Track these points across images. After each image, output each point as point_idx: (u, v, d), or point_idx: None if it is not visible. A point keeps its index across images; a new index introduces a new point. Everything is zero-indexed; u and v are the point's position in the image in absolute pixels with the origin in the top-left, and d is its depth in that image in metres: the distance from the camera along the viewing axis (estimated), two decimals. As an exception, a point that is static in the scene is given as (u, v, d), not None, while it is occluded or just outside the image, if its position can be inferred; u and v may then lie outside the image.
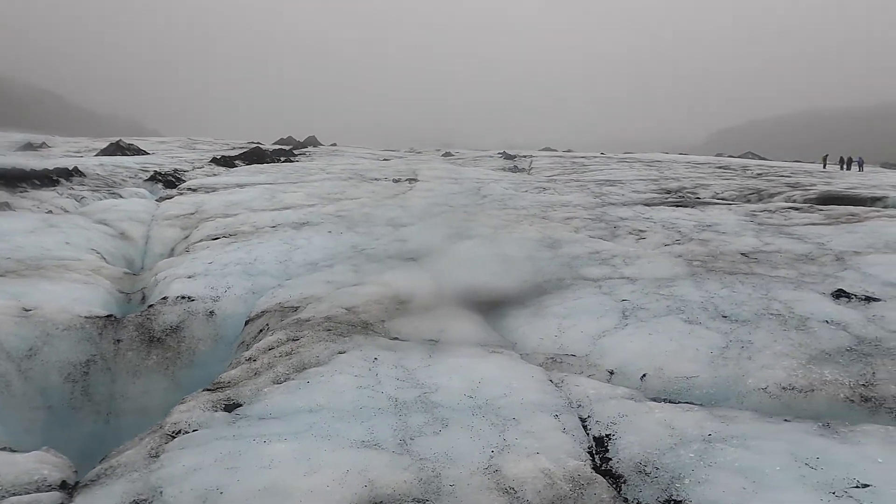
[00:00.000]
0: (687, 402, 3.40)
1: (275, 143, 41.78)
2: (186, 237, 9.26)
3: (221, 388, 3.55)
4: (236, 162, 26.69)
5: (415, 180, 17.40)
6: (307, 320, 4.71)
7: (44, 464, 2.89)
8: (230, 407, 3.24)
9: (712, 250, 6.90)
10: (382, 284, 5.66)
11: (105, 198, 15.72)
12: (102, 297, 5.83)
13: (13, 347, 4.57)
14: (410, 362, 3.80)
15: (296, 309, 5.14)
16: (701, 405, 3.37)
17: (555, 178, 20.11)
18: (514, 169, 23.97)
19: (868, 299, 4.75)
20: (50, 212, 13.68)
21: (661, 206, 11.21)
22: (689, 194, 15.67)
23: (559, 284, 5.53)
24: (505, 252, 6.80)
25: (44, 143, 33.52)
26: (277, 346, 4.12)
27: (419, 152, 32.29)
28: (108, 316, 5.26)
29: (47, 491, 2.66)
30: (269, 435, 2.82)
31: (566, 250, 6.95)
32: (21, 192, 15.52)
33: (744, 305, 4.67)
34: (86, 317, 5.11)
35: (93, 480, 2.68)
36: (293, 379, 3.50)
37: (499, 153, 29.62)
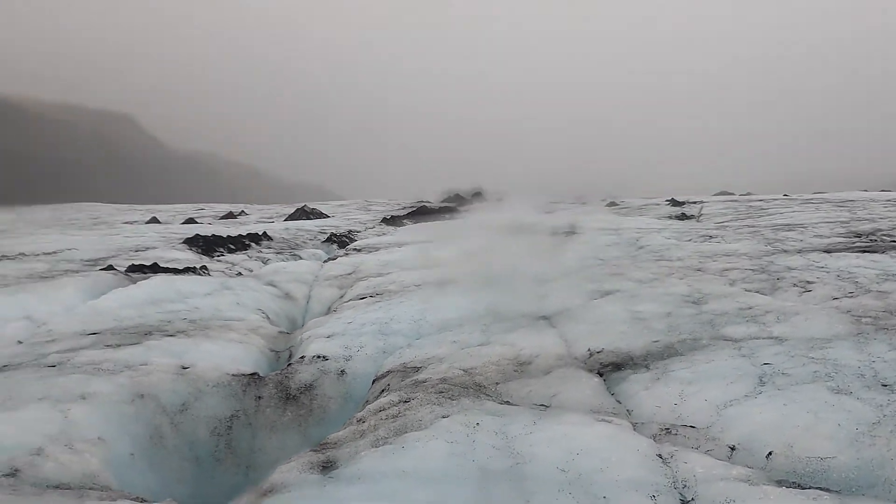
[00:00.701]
0: (818, 488, 2.95)
1: (443, 201, 43.48)
2: (341, 296, 9.86)
3: (326, 448, 3.69)
4: (404, 221, 28.15)
5: (573, 232, 17.18)
6: (423, 381, 4.78)
7: (161, 515, 3.17)
8: (326, 468, 3.35)
9: (890, 304, 6.03)
10: (507, 345, 5.61)
11: (287, 259, 17.26)
12: (254, 356, 6.36)
13: (169, 403, 5.12)
14: (512, 429, 3.70)
15: (417, 369, 5.24)
16: (836, 492, 2.91)
17: (725, 224, 18.83)
18: (682, 216, 22.80)
19: None
20: (240, 273, 15.21)
21: (843, 253, 10.04)
22: (883, 237, 13.88)
23: (693, 345, 5.12)
24: (643, 309, 6.45)
25: (242, 211, 37.71)
26: (388, 408, 4.21)
27: (584, 203, 31.88)
28: (252, 374, 5.72)
29: (154, 542, 2.91)
30: (348, 500, 2.88)
31: (712, 306, 6.44)
32: (218, 255, 17.46)
33: (914, 371, 4.01)
34: (233, 374, 5.60)
35: (193, 535, 2.89)
36: (391, 443, 3.56)
37: (666, 200, 28.41)
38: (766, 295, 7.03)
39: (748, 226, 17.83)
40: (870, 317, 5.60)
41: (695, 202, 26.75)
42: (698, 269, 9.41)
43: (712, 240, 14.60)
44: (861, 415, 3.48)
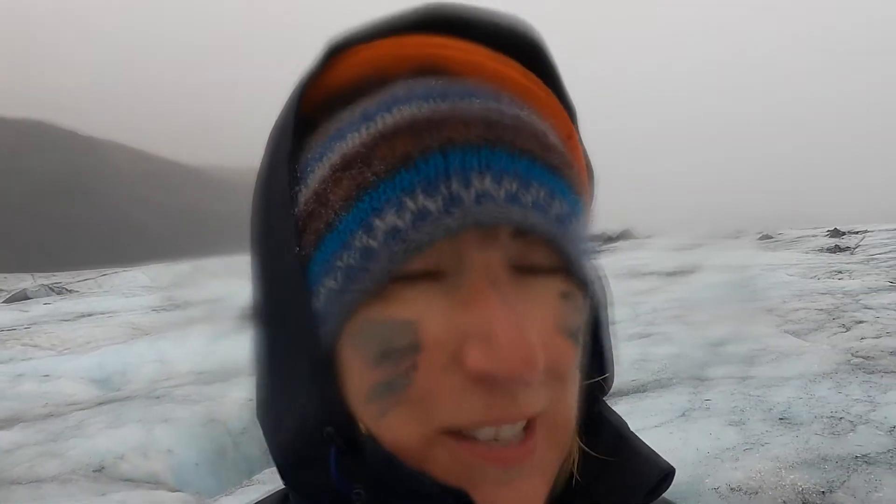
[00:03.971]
0: None
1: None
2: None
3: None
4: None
5: (691, 272, 17.29)
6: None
7: None
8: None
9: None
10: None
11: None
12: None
13: (232, 427, 6.74)
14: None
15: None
16: None
17: (877, 256, 17.84)
18: (835, 249, 21.75)
19: None
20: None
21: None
22: None
23: (663, 384, 5.83)
24: (657, 352, 7.13)
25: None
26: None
27: (738, 237, 31.01)
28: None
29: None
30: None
31: (728, 349, 6.97)
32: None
33: (824, 406, 4.56)
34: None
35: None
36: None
37: (827, 231, 26.96)
38: (798, 337, 7.37)
39: (900, 258, 16.80)
40: (863, 356, 5.94)
41: (858, 232, 25.16)
42: (770, 310, 9.65)
43: (838, 275, 14.18)
44: (728, 442, 4.18)
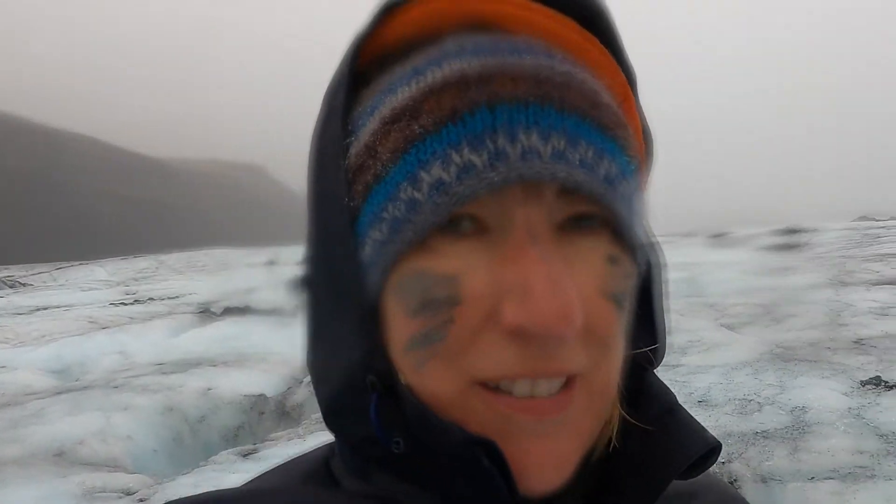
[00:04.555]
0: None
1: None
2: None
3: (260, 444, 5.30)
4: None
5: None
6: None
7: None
8: (249, 454, 4.97)
9: (830, 335, 6.75)
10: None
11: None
12: (273, 382, 8.14)
13: (190, 415, 6.97)
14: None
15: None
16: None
17: (822, 255, 18.62)
18: (784, 247, 22.59)
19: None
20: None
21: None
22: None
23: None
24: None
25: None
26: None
27: (689, 235, 31.74)
28: (259, 394, 7.49)
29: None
30: (243, 468, 4.46)
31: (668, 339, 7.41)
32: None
33: (739, 390, 4.99)
34: (244, 395, 7.39)
35: None
36: (301, 437, 5.10)
37: (777, 229, 27.87)
38: (732, 330, 7.85)
39: (842, 256, 17.58)
40: (784, 348, 6.41)
41: (811, 230, 26.10)
42: (711, 305, 10.16)
43: (783, 273, 14.79)
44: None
